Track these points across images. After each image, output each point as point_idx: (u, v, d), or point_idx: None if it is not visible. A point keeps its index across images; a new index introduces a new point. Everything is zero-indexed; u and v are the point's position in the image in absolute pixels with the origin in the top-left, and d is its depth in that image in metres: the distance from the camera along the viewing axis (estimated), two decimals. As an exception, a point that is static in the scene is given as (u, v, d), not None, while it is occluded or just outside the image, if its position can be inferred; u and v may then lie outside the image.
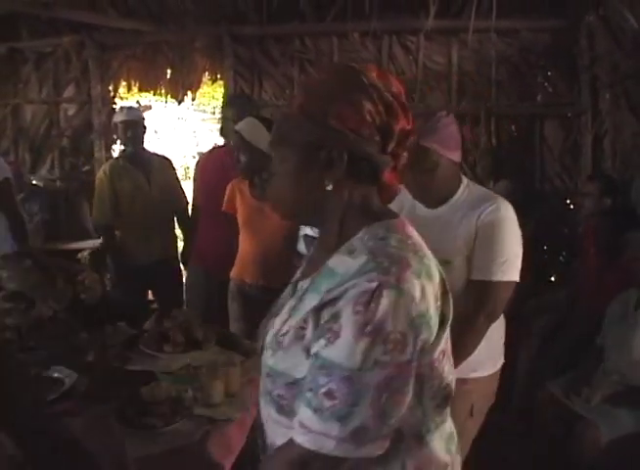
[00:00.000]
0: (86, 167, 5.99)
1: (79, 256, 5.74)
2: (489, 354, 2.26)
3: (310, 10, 5.26)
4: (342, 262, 1.18)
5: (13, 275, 2.88)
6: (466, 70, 5.26)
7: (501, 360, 2.37)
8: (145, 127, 4.23)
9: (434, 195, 2.21)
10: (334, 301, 1.11)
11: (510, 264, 2.10)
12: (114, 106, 6.01)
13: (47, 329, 2.54)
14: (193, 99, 6.26)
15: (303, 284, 1.28)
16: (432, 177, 2.16)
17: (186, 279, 4.21)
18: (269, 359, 1.23)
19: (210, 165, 3.98)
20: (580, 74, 4.99)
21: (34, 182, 5.91)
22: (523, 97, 5.21)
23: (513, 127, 5.30)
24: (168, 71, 5.88)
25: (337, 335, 1.08)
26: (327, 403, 1.07)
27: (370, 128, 1.18)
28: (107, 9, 5.49)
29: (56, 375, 2.18)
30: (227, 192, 3.44)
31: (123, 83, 6.02)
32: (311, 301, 1.17)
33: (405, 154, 1.26)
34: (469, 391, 2.13)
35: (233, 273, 3.42)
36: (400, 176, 1.28)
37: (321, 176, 1.21)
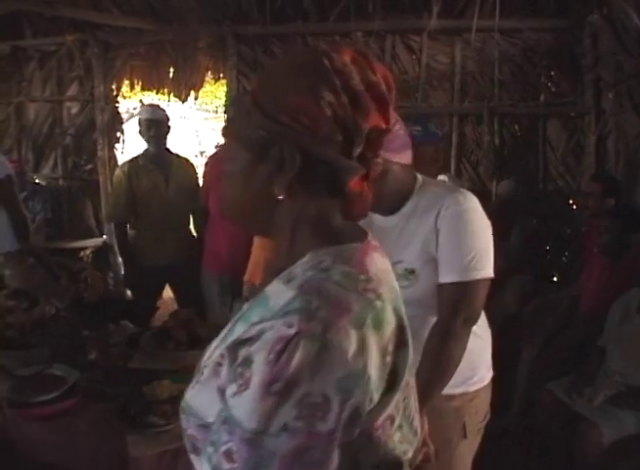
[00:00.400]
0: (89, 166, 6.00)
1: (82, 254, 5.77)
2: (475, 366, 2.06)
3: (313, 9, 5.26)
4: (277, 292, 0.94)
5: (16, 273, 2.89)
6: (469, 69, 5.26)
7: (490, 373, 2.15)
8: (169, 127, 4.18)
9: (386, 203, 1.96)
10: (251, 340, 0.88)
11: (480, 259, 1.88)
12: (117, 104, 6.03)
13: (49, 327, 2.54)
14: (195, 98, 6.27)
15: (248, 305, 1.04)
16: (381, 185, 1.87)
17: (202, 283, 3.99)
18: (188, 391, 1.02)
19: (221, 165, 3.95)
20: (584, 74, 4.98)
21: (37, 181, 5.92)
22: (526, 97, 5.20)
23: (516, 127, 5.30)
24: (171, 71, 5.88)
25: (246, 385, 0.85)
26: (225, 466, 0.86)
27: (329, 125, 0.93)
28: (110, 8, 5.50)
29: (58, 373, 2.18)
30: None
31: (126, 82, 6.03)
32: (238, 331, 0.94)
33: (378, 160, 1.02)
34: (458, 408, 2.01)
35: (245, 276, 3.32)
36: (373, 187, 1.04)
37: (270, 180, 0.97)
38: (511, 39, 5.12)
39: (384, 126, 0.99)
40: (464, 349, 1.89)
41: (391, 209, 1.98)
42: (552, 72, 5.18)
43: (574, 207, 5.15)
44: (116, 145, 6.02)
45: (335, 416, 0.85)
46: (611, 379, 3.13)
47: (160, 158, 4.14)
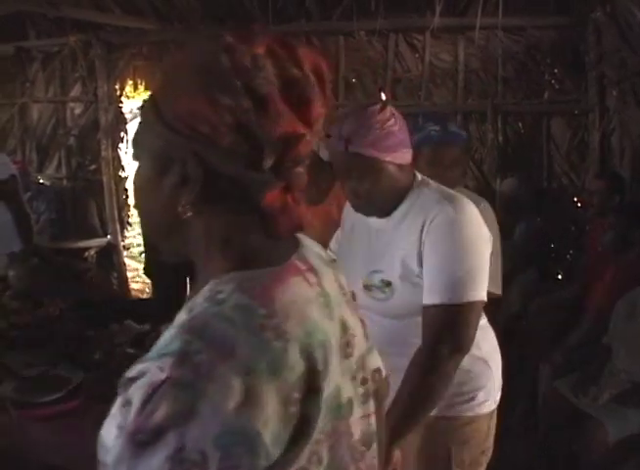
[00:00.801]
0: (93, 166, 6.01)
1: (86, 254, 5.77)
2: (472, 388, 1.83)
3: (316, 8, 5.25)
4: (175, 323, 0.82)
5: (20, 274, 2.89)
6: (472, 67, 5.25)
7: (494, 401, 1.89)
8: None
9: (379, 203, 1.80)
10: (132, 381, 0.76)
11: (469, 279, 1.64)
12: (121, 105, 6.04)
13: (54, 328, 2.55)
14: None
15: None
16: (374, 187, 1.75)
17: None
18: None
19: None
20: (587, 71, 4.97)
21: (41, 181, 5.94)
22: (529, 94, 5.19)
23: (520, 125, 5.28)
24: (175, 70, 5.88)
25: (123, 429, 0.75)
26: None
27: (231, 134, 0.80)
28: (113, 8, 5.49)
29: (62, 374, 2.18)
30: None
31: (130, 82, 6.03)
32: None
33: (300, 169, 0.87)
34: (442, 432, 1.80)
35: None
36: (300, 199, 0.91)
37: (174, 197, 0.85)
38: (514, 37, 5.10)
39: (300, 132, 0.83)
40: (446, 384, 1.66)
41: (386, 210, 1.81)
42: (556, 70, 5.16)
43: (579, 204, 5.14)
44: (120, 145, 6.02)
45: None
46: (616, 377, 3.12)
47: None
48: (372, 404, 1.01)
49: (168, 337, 0.77)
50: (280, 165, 0.83)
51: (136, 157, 0.90)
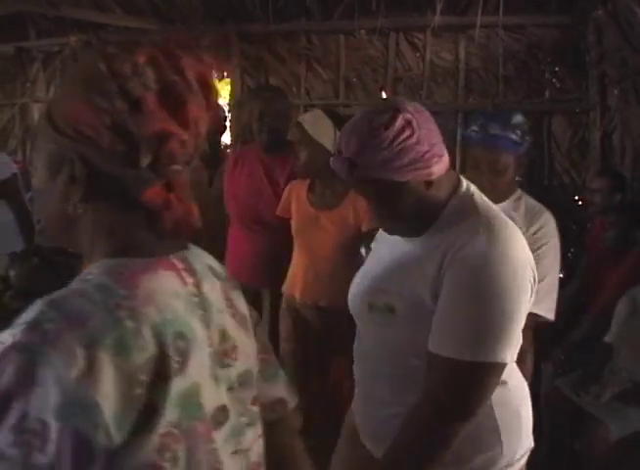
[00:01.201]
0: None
1: (87, 254, 5.77)
2: (474, 448, 1.52)
3: (317, 7, 5.25)
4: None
5: (21, 274, 2.89)
6: (473, 66, 5.24)
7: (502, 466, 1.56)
8: (225, 127, 4.02)
9: (403, 226, 1.57)
10: None
11: (490, 336, 1.35)
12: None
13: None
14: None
15: None
16: (395, 210, 1.52)
17: None
18: None
19: (243, 166, 3.46)
20: (588, 70, 4.96)
21: (42, 181, 5.93)
22: (530, 93, 5.18)
23: (521, 123, 5.28)
24: (175, 70, 5.88)
25: None
26: None
27: (110, 135, 0.86)
28: (113, 8, 5.49)
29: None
30: (284, 194, 3.09)
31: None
32: None
33: (177, 167, 0.92)
34: None
35: (284, 287, 3.08)
36: (186, 197, 0.96)
37: (65, 196, 0.91)
38: (515, 35, 5.09)
39: (175, 130, 0.88)
40: (442, 450, 1.40)
41: (415, 230, 1.54)
42: (557, 69, 5.15)
43: (580, 202, 5.13)
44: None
45: (54, 448, 0.73)
46: (618, 376, 3.12)
47: (209, 155, 3.74)
48: (251, 435, 1.02)
49: (30, 309, 0.82)
50: (157, 163, 0.89)
51: (34, 160, 0.96)
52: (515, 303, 1.37)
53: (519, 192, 2.47)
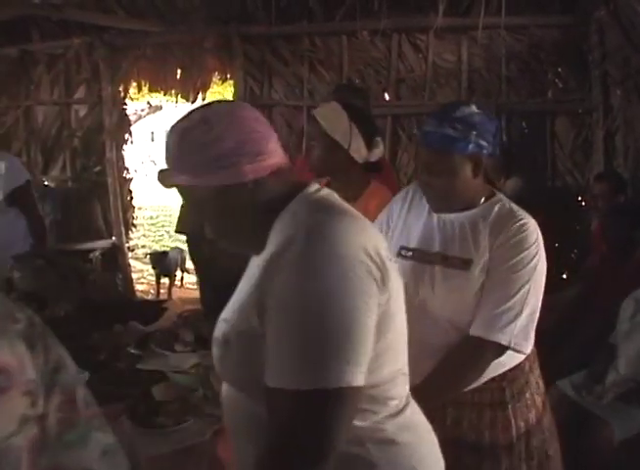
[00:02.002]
0: (97, 168, 6.02)
1: (91, 255, 5.79)
2: None
3: (319, 9, 5.27)
4: None
5: (25, 276, 2.90)
6: (476, 67, 5.26)
7: None
8: None
9: (241, 241, 1.36)
10: None
11: (325, 359, 1.09)
12: (125, 106, 6.06)
13: (59, 329, 2.55)
14: (203, 99, 6.28)
15: None
16: (223, 218, 1.32)
17: None
18: None
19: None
20: (591, 70, 4.97)
21: (46, 183, 5.96)
22: (533, 93, 5.19)
23: (523, 124, 5.28)
24: (178, 72, 5.91)
25: None
26: None
27: None
28: (116, 10, 5.52)
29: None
30: None
31: (134, 84, 6.06)
32: None
33: None
34: None
35: None
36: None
37: None
38: (517, 36, 5.11)
39: None
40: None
41: (255, 246, 1.29)
42: (559, 69, 5.17)
43: (583, 203, 5.14)
44: (124, 147, 6.05)
45: None
46: (621, 376, 3.11)
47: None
48: None
49: None
50: None
51: None
52: (352, 310, 1.10)
53: (495, 198, 1.98)
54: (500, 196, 1.99)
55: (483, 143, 1.86)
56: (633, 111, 4.76)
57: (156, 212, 15.44)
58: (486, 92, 5.25)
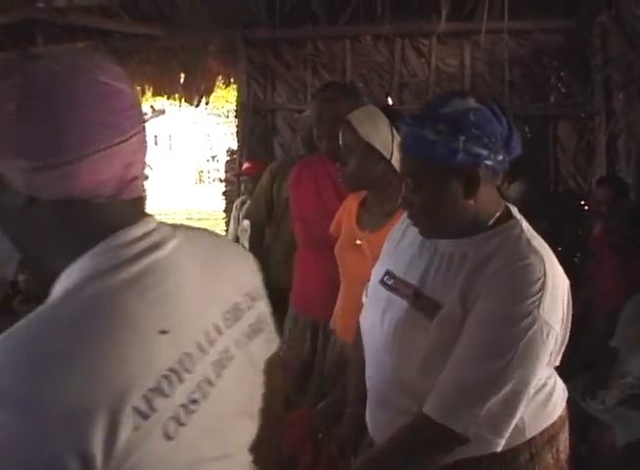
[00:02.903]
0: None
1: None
2: None
3: (323, 13, 5.28)
4: None
5: (30, 279, 2.91)
6: (478, 71, 5.26)
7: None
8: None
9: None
10: None
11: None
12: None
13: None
14: (207, 103, 6.30)
15: None
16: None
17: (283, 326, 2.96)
18: None
19: (309, 179, 2.95)
20: (593, 75, 4.97)
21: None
22: (536, 98, 5.20)
23: (526, 128, 5.29)
24: (182, 76, 5.93)
25: None
26: None
27: None
28: (120, 14, 5.54)
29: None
30: (339, 209, 2.53)
31: (137, 88, 6.08)
32: None
33: None
34: None
35: (331, 323, 2.54)
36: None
37: None
38: (520, 41, 5.11)
39: None
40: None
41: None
42: (562, 73, 5.17)
43: (586, 207, 5.14)
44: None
45: None
46: (624, 380, 3.12)
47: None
48: None
49: None
50: None
51: None
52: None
53: (508, 223, 1.49)
54: (515, 221, 1.48)
55: (480, 151, 1.36)
56: (635, 115, 4.77)
57: (159, 216, 15.43)
58: (489, 97, 5.25)
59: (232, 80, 5.90)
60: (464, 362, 1.34)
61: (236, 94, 5.84)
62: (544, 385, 1.50)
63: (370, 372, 1.59)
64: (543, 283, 1.32)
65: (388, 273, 1.61)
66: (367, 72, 5.41)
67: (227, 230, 5.56)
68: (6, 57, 0.88)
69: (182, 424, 0.84)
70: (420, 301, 1.46)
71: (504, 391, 1.30)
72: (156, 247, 0.91)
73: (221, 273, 1.03)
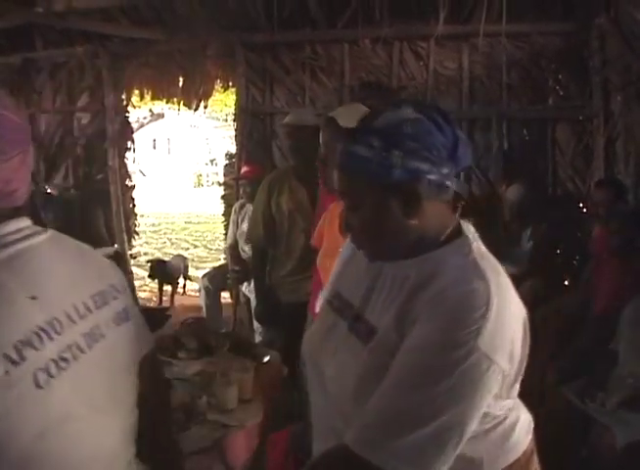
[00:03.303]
0: (100, 175, 6.05)
1: (94, 263, 5.79)
2: None
3: (321, 17, 5.29)
4: None
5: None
6: (477, 74, 5.27)
7: None
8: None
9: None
10: None
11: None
12: (128, 114, 6.09)
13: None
14: (205, 107, 6.31)
15: None
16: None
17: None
18: None
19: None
20: (592, 77, 4.98)
21: (49, 190, 5.97)
22: (534, 101, 5.21)
23: (524, 131, 5.30)
24: (181, 80, 5.94)
25: None
26: None
27: None
28: (119, 19, 5.55)
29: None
30: (321, 220, 2.51)
31: (136, 92, 6.09)
32: None
33: None
34: None
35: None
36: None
37: None
38: (518, 43, 5.13)
39: None
40: None
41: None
42: (560, 76, 5.18)
43: (584, 210, 5.14)
44: (127, 154, 6.07)
45: None
46: (623, 382, 3.11)
47: (306, 172, 3.23)
48: None
49: None
50: None
51: None
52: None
53: (457, 241, 1.31)
54: (463, 240, 1.31)
55: (420, 165, 1.21)
56: (634, 117, 4.78)
57: (158, 220, 15.47)
58: (487, 99, 5.27)
59: (231, 84, 5.91)
60: (391, 390, 1.19)
61: (235, 98, 5.86)
62: (504, 418, 1.34)
63: (314, 398, 1.47)
64: (485, 311, 1.15)
65: (335, 293, 1.49)
66: (365, 76, 5.42)
67: (226, 233, 5.56)
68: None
69: (52, 376, 1.00)
70: (358, 324, 1.34)
71: (434, 424, 1.13)
72: (28, 237, 1.11)
73: (87, 264, 1.23)
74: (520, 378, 1.31)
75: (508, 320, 1.19)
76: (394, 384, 1.18)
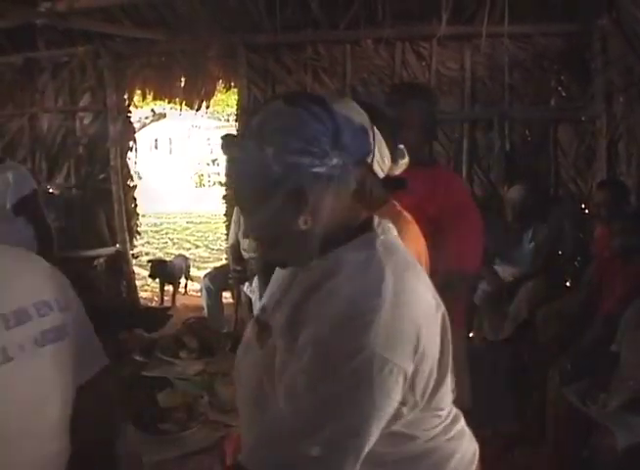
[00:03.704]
0: (102, 175, 6.05)
1: (95, 263, 5.81)
2: None
3: (323, 18, 5.29)
4: None
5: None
6: (479, 75, 5.27)
7: None
8: None
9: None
10: None
11: None
12: (130, 114, 6.09)
13: (64, 336, 2.57)
14: (207, 107, 6.31)
15: None
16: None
17: None
18: None
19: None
20: (594, 78, 4.98)
21: (51, 190, 5.98)
22: (536, 101, 5.20)
23: (527, 132, 5.30)
24: (183, 80, 5.94)
25: None
26: None
27: None
28: (121, 19, 5.55)
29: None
30: None
31: (138, 92, 6.09)
32: None
33: None
34: None
35: None
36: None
37: None
38: (520, 44, 5.12)
39: None
40: None
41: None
42: (562, 77, 5.18)
43: (586, 211, 5.14)
44: (129, 154, 6.07)
45: None
46: (625, 384, 3.11)
47: None
48: None
49: None
50: None
51: None
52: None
53: (358, 240, 1.19)
54: (369, 235, 1.19)
55: (299, 160, 1.10)
56: (636, 118, 4.77)
57: (159, 220, 15.47)
58: (489, 100, 5.27)
59: (232, 84, 5.91)
60: (283, 398, 1.08)
61: (236, 98, 5.86)
62: (434, 449, 1.19)
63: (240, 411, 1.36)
64: (378, 307, 1.04)
65: (262, 306, 1.37)
66: (367, 76, 5.42)
67: (228, 234, 5.56)
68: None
69: None
70: (260, 330, 1.28)
71: (326, 433, 1.02)
72: None
73: (10, 278, 1.17)
74: (445, 383, 1.17)
75: (410, 316, 1.07)
76: (286, 392, 1.08)
